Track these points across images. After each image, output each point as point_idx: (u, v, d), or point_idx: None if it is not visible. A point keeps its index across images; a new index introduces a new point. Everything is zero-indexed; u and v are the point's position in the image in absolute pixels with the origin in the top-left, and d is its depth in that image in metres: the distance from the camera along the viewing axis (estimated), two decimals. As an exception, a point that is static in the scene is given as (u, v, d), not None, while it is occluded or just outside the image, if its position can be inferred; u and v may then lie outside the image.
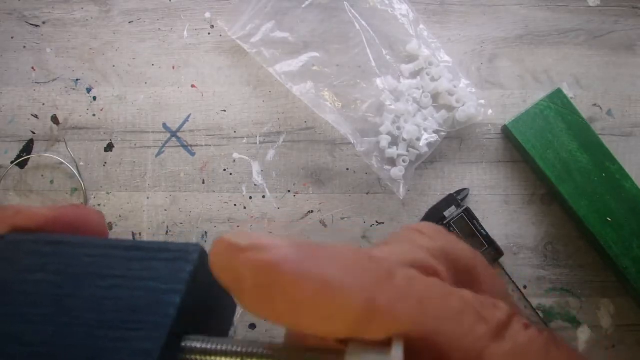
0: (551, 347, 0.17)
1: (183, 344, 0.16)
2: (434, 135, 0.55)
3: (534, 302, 0.56)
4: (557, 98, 0.54)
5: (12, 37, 0.59)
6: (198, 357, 0.16)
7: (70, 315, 0.16)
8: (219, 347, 0.16)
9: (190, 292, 0.17)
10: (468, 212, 0.55)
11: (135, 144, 0.58)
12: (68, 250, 0.18)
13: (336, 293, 0.14)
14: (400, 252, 0.18)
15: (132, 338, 0.16)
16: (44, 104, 0.59)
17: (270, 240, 0.15)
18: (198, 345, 0.16)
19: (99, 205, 0.58)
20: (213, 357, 0.16)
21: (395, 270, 0.16)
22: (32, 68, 0.59)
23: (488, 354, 0.16)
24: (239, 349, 0.16)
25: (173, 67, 0.59)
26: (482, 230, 0.54)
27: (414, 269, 0.16)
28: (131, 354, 0.15)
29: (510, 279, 0.55)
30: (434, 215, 0.56)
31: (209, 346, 0.16)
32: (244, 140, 0.58)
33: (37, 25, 0.59)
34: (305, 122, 0.58)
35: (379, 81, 0.56)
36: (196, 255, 0.17)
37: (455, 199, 0.56)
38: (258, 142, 0.58)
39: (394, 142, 0.55)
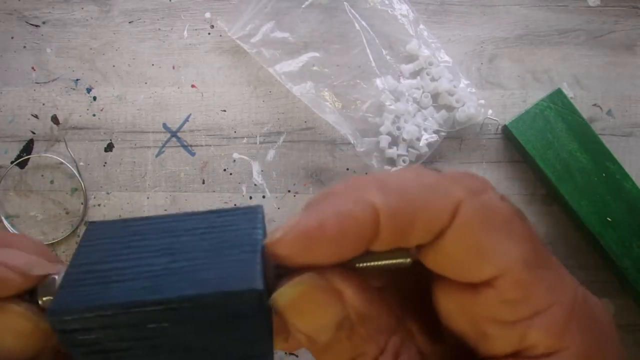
0: (517, 218, 0.19)
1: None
2: (434, 135, 0.55)
3: (534, 302, 0.56)
4: (557, 98, 0.54)
5: (12, 37, 0.59)
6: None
7: (175, 252, 0.20)
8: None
9: (263, 231, 0.21)
10: (468, 212, 0.55)
11: (135, 144, 0.58)
12: (149, 223, 0.21)
13: (347, 220, 0.18)
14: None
15: (232, 254, 0.20)
16: (44, 104, 0.59)
17: (286, 225, 0.18)
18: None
19: (99, 205, 0.58)
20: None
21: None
22: (32, 68, 0.59)
23: (463, 206, 0.18)
24: None
25: (173, 67, 0.59)
26: (482, 230, 0.54)
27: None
28: (234, 262, 0.19)
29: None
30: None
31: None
32: (244, 140, 0.58)
33: (37, 25, 0.59)
34: (305, 122, 0.58)
35: (378, 81, 0.56)
36: (262, 209, 0.22)
37: (455, 199, 0.56)
38: (258, 142, 0.58)
39: (394, 142, 0.55)
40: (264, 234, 0.21)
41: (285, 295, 0.18)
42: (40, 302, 0.19)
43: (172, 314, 0.18)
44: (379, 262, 0.19)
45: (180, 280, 0.18)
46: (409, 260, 0.19)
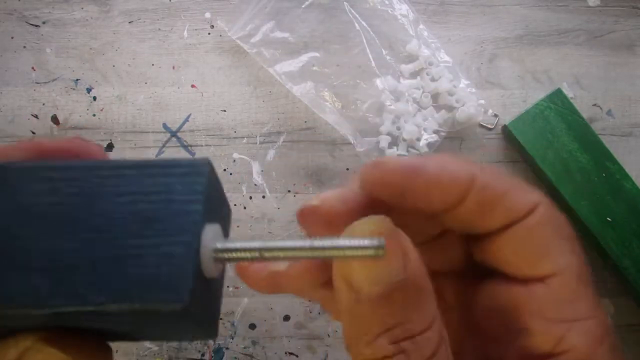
0: (576, 238, 0.20)
1: (218, 245, 0.18)
2: (434, 135, 0.55)
3: (534, 302, 0.56)
4: (557, 98, 0.54)
5: (12, 37, 0.59)
6: (231, 254, 0.18)
7: (93, 231, 0.17)
8: (252, 245, 0.18)
9: (205, 201, 0.18)
10: (468, 212, 0.55)
11: (135, 144, 0.58)
12: (75, 173, 0.18)
13: (449, 171, 0.19)
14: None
15: (161, 243, 0.17)
16: (44, 104, 0.59)
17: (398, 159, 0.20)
18: (229, 245, 0.18)
19: (99, 205, 0.58)
20: (248, 253, 0.18)
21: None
22: (32, 68, 0.59)
23: (541, 206, 0.20)
24: (276, 244, 0.18)
25: (173, 67, 0.59)
26: (482, 230, 0.54)
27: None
28: (162, 257, 0.16)
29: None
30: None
31: (240, 244, 0.18)
32: (244, 140, 0.58)
33: (37, 25, 0.59)
34: (305, 122, 0.58)
35: (378, 81, 0.56)
36: (207, 169, 0.18)
37: (455, 199, 0.56)
38: (258, 142, 0.58)
39: (394, 142, 0.55)
40: (209, 202, 0.18)
41: (362, 228, 0.17)
42: None
43: (91, 314, 0.16)
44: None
45: (99, 280, 0.16)
46: (381, 253, 0.17)
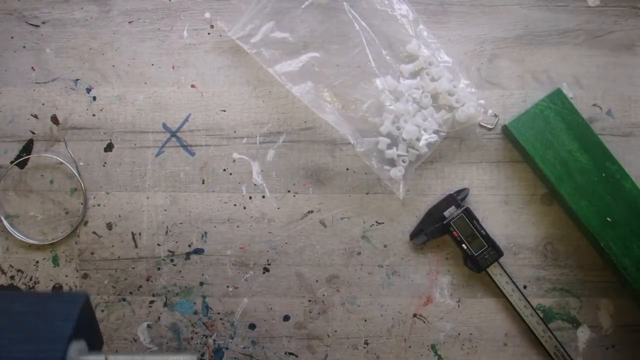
0: None
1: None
2: (433, 135, 0.55)
3: (534, 302, 0.56)
4: (557, 98, 0.54)
5: (12, 37, 0.59)
6: None
7: None
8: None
9: (78, 325, 0.25)
10: (468, 212, 0.55)
11: (135, 144, 0.58)
12: None
13: None
14: None
15: (37, 350, 0.24)
16: (43, 104, 0.59)
17: None
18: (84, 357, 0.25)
19: (98, 205, 0.58)
20: None
21: None
22: (32, 68, 0.59)
23: None
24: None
25: (173, 67, 0.59)
26: (482, 230, 0.54)
27: None
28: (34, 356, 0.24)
29: (510, 279, 0.55)
30: (434, 215, 0.56)
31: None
32: (244, 140, 0.58)
33: (37, 25, 0.59)
34: (305, 122, 0.58)
35: (378, 81, 0.56)
36: (83, 300, 0.26)
37: (455, 199, 0.56)
38: (258, 142, 0.58)
39: (394, 142, 0.55)
40: (81, 325, 0.25)
41: None
42: None
43: None
44: None
45: None
46: None
